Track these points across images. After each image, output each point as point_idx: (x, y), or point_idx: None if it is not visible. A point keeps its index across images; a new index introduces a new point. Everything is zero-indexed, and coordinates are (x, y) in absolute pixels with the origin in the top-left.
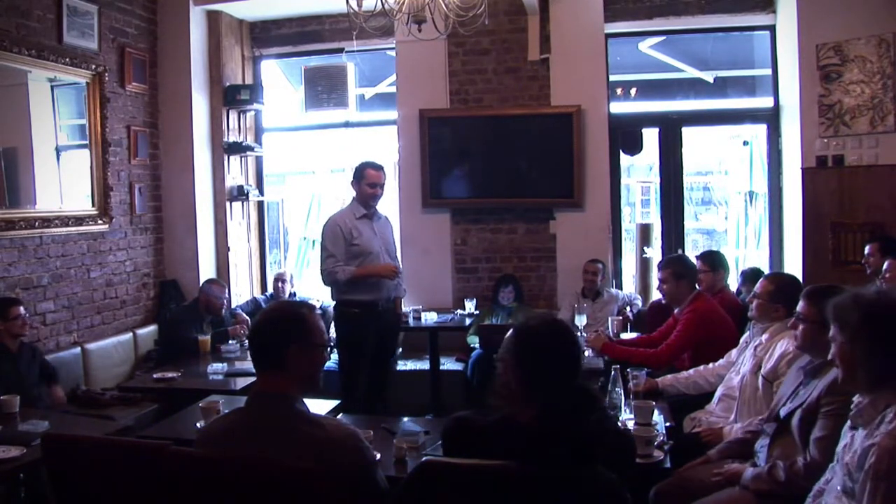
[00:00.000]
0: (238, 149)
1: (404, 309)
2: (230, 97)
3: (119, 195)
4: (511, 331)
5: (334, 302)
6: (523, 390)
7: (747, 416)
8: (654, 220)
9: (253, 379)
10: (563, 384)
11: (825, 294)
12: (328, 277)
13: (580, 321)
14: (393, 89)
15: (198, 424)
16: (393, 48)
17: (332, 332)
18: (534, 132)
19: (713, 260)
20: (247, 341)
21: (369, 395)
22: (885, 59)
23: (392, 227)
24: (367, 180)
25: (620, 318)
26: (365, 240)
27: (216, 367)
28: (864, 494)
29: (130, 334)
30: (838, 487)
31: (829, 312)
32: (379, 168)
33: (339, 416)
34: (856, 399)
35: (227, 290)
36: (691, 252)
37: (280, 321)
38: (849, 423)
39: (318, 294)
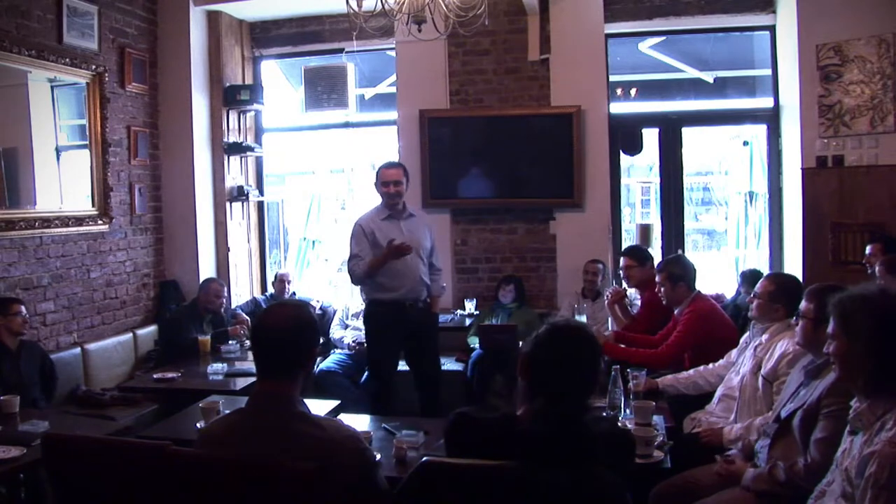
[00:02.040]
0: (238, 149)
1: None
2: (230, 97)
3: (119, 195)
4: (542, 327)
5: (364, 301)
6: (532, 387)
7: (747, 417)
8: (654, 220)
9: (253, 379)
10: (574, 389)
11: (828, 293)
12: (352, 277)
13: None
14: (393, 89)
15: (198, 424)
16: (393, 48)
17: (333, 335)
18: (534, 132)
19: (639, 254)
20: (248, 342)
21: (420, 395)
22: (885, 59)
23: (427, 226)
24: (381, 179)
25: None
26: (388, 240)
27: (216, 368)
28: (865, 503)
29: (130, 334)
30: (838, 492)
31: (831, 308)
32: (392, 166)
33: (339, 417)
34: (854, 403)
35: (225, 289)
36: (691, 253)
37: (303, 328)
38: (847, 427)
39: (318, 294)
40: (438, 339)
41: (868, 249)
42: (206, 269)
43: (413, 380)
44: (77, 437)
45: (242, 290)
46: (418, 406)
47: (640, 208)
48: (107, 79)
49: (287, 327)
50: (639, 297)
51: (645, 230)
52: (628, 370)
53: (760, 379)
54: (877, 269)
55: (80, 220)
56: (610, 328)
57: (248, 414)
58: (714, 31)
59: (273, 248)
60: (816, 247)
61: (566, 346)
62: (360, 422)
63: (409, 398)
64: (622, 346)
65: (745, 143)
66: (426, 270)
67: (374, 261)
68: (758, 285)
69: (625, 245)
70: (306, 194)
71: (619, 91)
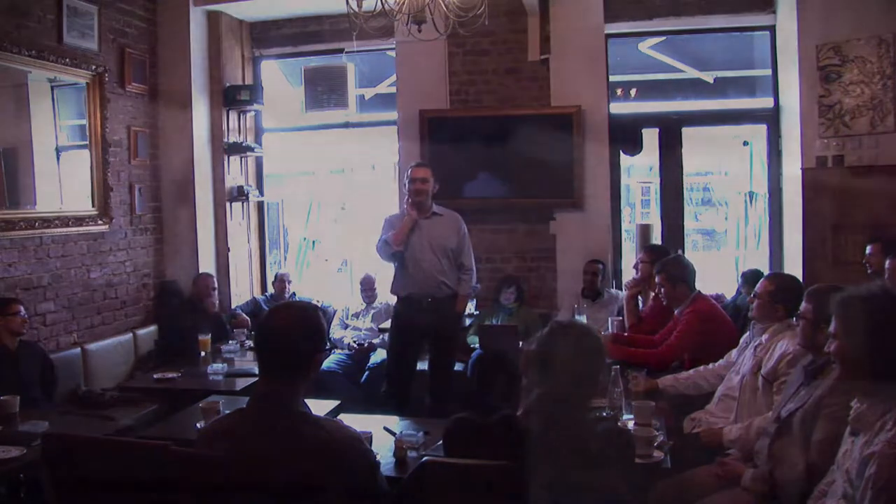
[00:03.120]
0: (238, 149)
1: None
2: (230, 98)
3: (119, 195)
4: (547, 326)
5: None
6: (533, 384)
7: (747, 417)
8: (654, 220)
9: (253, 379)
10: (574, 387)
11: (827, 293)
12: (378, 251)
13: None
14: (393, 90)
15: (198, 424)
16: (393, 48)
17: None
18: (534, 132)
19: (654, 253)
20: (248, 342)
21: (431, 397)
22: (885, 59)
23: (455, 226)
24: (409, 176)
25: (620, 318)
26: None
27: (216, 368)
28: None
29: (130, 334)
30: (839, 493)
31: (833, 307)
32: (419, 165)
33: (339, 417)
34: (854, 404)
35: (214, 279)
36: (691, 253)
37: (308, 330)
38: (849, 428)
39: (319, 294)
40: (458, 338)
41: (868, 249)
42: (206, 270)
43: (428, 377)
44: (77, 437)
45: (242, 290)
46: (427, 404)
47: (640, 208)
48: (107, 79)
49: (291, 328)
50: (638, 297)
51: (645, 230)
52: (628, 370)
53: (760, 379)
54: (887, 266)
55: (80, 220)
56: (609, 328)
57: (249, 414)
58: (714, 31)
59: (273, 248)
60: (816, 247)
61: (568, 345)
62: (360, 422)
63: (418, 396)
64: (622, 346)
65: (745, 143)
66: (445, 269)
67: (396, 233)
68: (758, 285)
69: (625, 245)
70: (306, 194)
71: (619, 91)
